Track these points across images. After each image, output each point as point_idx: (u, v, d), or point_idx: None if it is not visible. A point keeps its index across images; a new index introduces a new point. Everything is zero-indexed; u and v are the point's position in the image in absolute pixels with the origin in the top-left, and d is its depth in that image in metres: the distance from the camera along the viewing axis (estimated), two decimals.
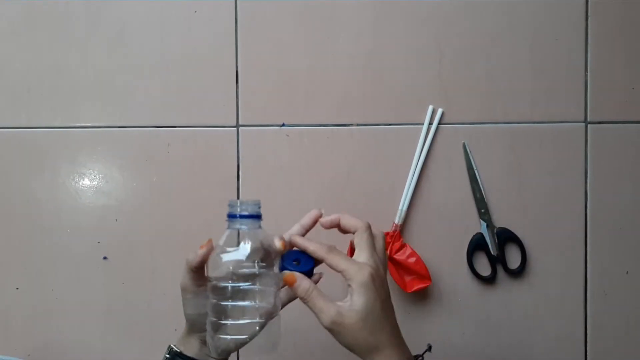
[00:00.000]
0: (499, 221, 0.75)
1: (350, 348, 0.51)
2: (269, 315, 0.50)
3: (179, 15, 0.76)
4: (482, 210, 0.75)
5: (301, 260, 0.53)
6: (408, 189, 0.75)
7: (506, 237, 0.75)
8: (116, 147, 0.76)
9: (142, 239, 0.76)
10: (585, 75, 0.76)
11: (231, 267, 0.49)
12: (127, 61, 0.76)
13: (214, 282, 0.50)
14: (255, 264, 0.50)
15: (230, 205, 0.52)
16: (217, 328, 0.50)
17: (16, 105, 0.76)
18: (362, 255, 0.53)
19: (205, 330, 0.52)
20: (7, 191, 0.76)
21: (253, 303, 0.49)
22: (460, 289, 0.76)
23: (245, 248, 0.50)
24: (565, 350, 0.76)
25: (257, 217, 0.52)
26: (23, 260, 0.76)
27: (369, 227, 0.54)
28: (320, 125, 0.76)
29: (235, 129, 0.76)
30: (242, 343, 0.50)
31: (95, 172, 0.76)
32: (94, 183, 0.76)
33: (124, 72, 0.76)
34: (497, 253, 0.75)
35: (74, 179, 0.76)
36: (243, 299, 0.49)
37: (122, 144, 0.76)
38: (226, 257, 0.50)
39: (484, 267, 0.76)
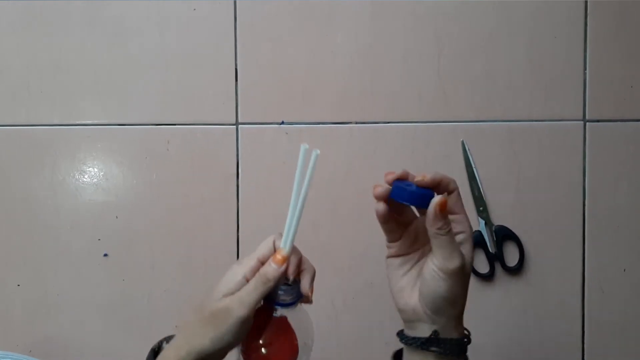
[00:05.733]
0: (497, 219, 0.76)
1: (451, 300, 0.46)
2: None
3: (178, 13, 0.76)
4: (481, 208, 0.75)
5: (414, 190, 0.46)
6: None
7: (504, 234, 0.75)
8: (116, 144, 0.76)
9: (142, 236, 0.76)
10: (584, 73, 0.76)
11: None
12: (127, 59, 0.76)
13: None
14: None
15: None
16: None
17: (15, 103, 0.76)
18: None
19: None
20: (7, 189, 0.76)
21: None
22: None
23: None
24: (563, 347, 0.76)
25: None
26: (24, 257, 0.76)
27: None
28: (320, 123, 0.76)
29: (235, 126, 0.76)
30: None
31: (95, 169, 0.76)
32: (93, 180, 0.76)
33: (123, 69, 0.76)
34: (495, 251, 0.75)
35: (73, 176, 0.76)
36: None
37: (121, 141, 0.76)
38: None
39: (482, 264, 0.76)
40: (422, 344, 0.47)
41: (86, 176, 0.76)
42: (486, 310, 0.76)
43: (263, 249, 0.49)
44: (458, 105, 0.76)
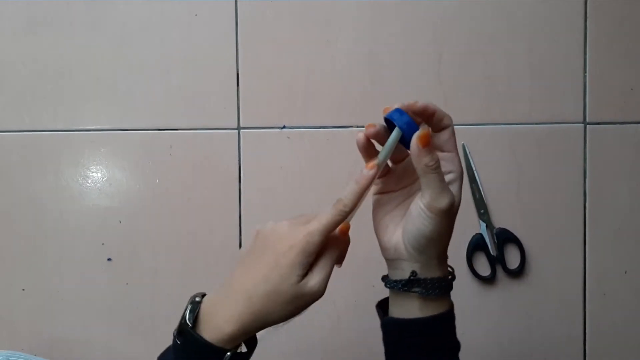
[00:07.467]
0: (498, 222, 0.76)
1: (434, 239, 0.45)
2: None
3: (179, 18, 0.77)
4: (482, 211, 0.76)
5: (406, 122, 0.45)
6: None
7: (505, 237, 0.75)
8: (119, 149, 0.77)
9: (146, 240, 0.77)
10: (584, 76, 0.76)
11: None
12: (129, 64, 0.77)
13: None
14: None
15: None
16: None
17: (19, 109, 0.77)
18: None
19: None
20: (12, 194, 0.77)
21: None
22: (460, 289, 0.75)
23: None
24: (565, 350, 0.76)
25: None
26: (28, 262, 0.77)
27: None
28: (321, 127, 0.77)
29: (237, 131, 0.77)
30: None
31: (99, 174, 0.77)
32: (97, 185, 0.77)
33: (126, 74, 0.77)
34: (496, 253, 0.76)
35: (77, 182, 0.77)
36: None
37: (124, 147, 0.77)
38: None
39: (483, 267, 0.76)
40: (403, 286, 0.47)
41: (90, 181, 0.77)
42: (488, 313, 0.76)
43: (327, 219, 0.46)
44: (458, 109, 0.76)
